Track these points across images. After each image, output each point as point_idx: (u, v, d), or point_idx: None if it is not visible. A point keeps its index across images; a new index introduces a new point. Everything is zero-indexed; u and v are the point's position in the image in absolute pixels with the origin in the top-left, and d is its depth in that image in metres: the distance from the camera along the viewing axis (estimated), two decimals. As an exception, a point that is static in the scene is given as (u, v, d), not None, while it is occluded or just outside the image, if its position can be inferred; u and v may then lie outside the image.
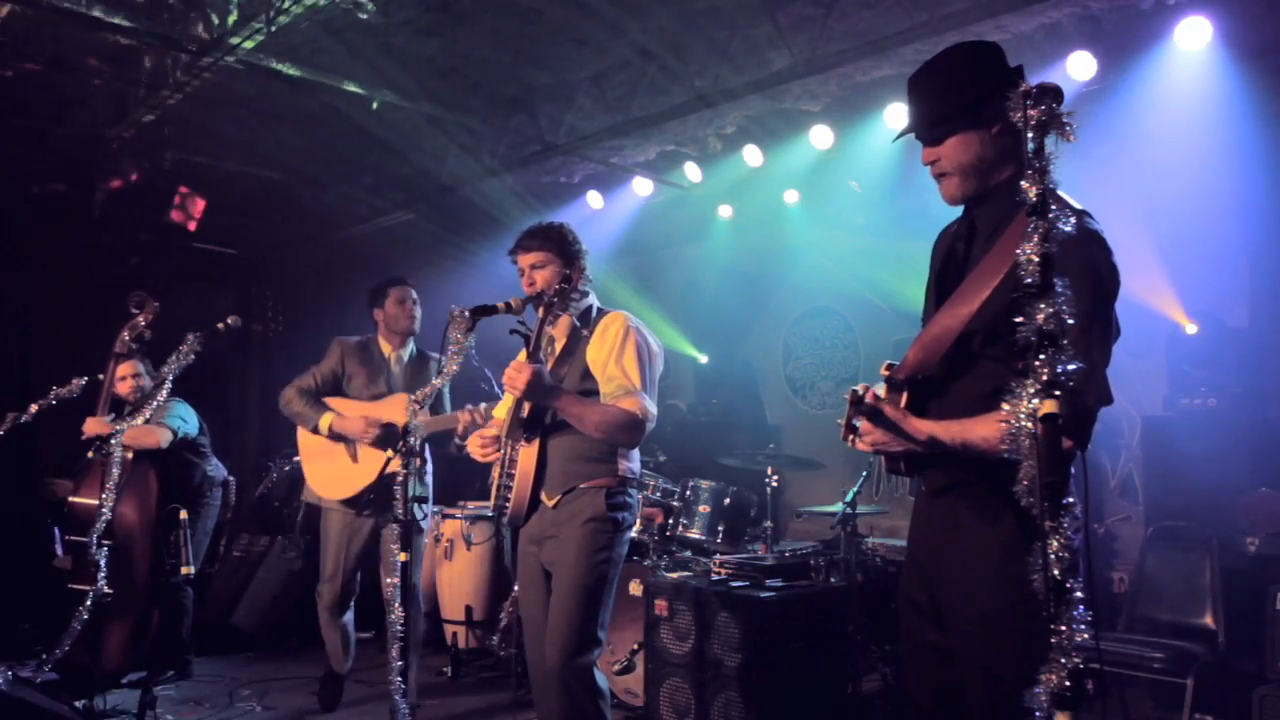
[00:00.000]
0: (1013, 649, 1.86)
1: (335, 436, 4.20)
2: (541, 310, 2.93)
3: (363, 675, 4.95)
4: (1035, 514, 1.51)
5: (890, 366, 2.02)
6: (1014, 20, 4.17)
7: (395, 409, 4.19)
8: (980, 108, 1.98)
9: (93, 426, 4.41)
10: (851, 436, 1.94)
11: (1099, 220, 1.99)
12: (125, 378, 4.74)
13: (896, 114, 4.97)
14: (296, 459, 4.72)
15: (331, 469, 4.27)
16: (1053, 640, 1.47)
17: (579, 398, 2.92)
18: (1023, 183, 1.59)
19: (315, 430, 4.22)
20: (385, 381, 4.32)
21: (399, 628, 3.01)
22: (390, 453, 3.98)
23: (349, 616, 4.44)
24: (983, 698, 1.96)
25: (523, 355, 3.06)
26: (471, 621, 5.50)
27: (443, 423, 4.04)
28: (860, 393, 1.90)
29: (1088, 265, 1.88)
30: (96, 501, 4.11)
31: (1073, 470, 1.90)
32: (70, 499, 4.43)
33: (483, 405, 3.97)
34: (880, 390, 2.00)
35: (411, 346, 4.45)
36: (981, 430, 1.88)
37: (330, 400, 4.29)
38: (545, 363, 3.07)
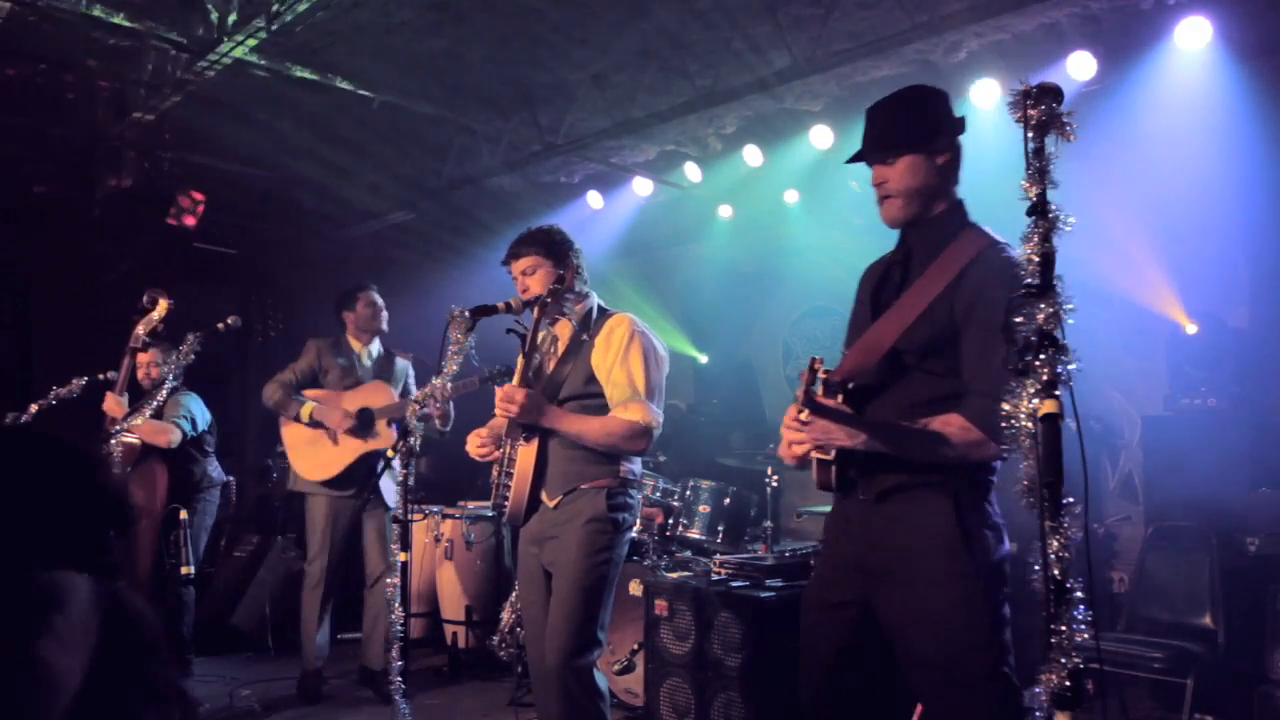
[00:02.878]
0: (963, 642, 1.97)
1: (315, 424, 4.58)
2: (537, 311, 2.93)
3: (357, 674, 4.95)
4: (1037, 513, 1.52)
5: (826, 370, 2.13)
6: (1014, 20, 4.17)
7: (370, 395, 4.61)
8: (933, 137, 2.15)
9: (111, 404, 4.44)
10: (804, 414, 2.02)
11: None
12: (145, 364, 4.81)
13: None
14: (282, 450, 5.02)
15: (314, 453, 4.64)
16: (1053, 640, 1.47)
17: (576, 416, 2.91)
18: (1023, 183, 1.62)
19: (297, 419, 4.60)
20: (357, 375, 4.73)
21: (399, 627, 3.01)
22: (390, 434, 4.46)
23: (326, 622, 4.73)
24: (938, 692, 2.04)
25: (520, 359, 3.06)
26: (471, 621, 5.50)
27: (397, 408, 4.50)
28: (815, 366, 2.04)
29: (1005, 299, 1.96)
30: None
31: (994, 479, 2.10)
32: None
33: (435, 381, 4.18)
34: (818, 389, 2.09)
35: (378, 344, 4.87)
36: (911, 436, 2.02)
37: (308, 392, 4.67)
38: (544, 363, 3.07)
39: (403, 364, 4.89)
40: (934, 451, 2.00)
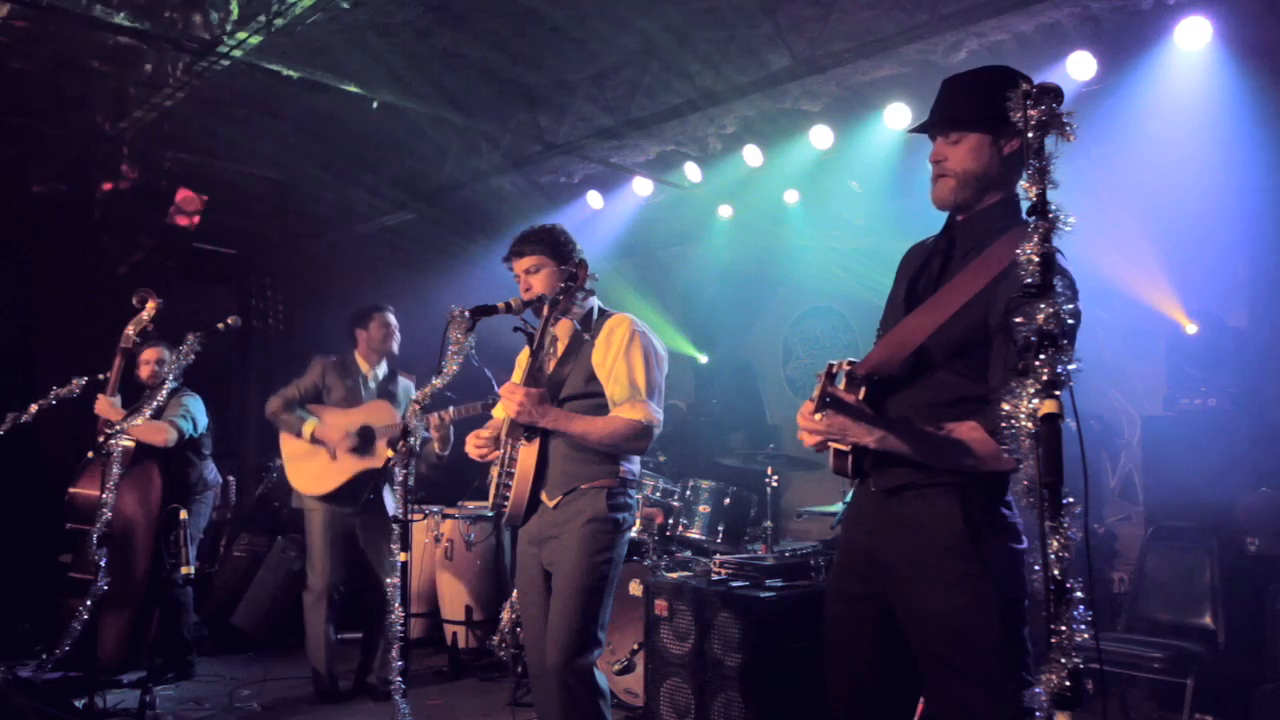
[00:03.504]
0: (974, 643, 1.96)
1: (316, 441, 4.60)
2: (546, 309, 2.92)
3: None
4: (1036, 513, 1.52)
5: (851, 362, 2.09)
6: (1014, 20, 4.17)
7: (372, 413, 4.64)
8: (1005, 120, 1.98)
9: (103, 407, 4.43)
10: (819, 415, 1.98)
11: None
12: (148, 362, 4.84)
13: (896, 114, 4.96)
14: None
15: (312, 468, 4.64)
16: (1053, 640, 1.47)
17: (578, 416, 2.91)
18: (1023, 183, 1.61)
19: (299, 435, 4.62)
20: (361, 395, 4.75)
21: (399, 627, 3.01)
22: (389, 452, 4.32)
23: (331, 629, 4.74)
24: (951, 691, 2.02)
25: (524, 354, 3.06)
26: (471, 621, 5.50)
27: (397, 429, 4.43)
28: (834, 370, 1.96)
29: None
30: (98, 493, 4.13)
31: (1008, 480, 2.04)
32: (71, 490, 4.48)
33: (451, 409, 4.27)
34: (841, 383, 2.05)
35: (385, 365, 4.89)
36: (928, 441, 1.97)
37: (313, 407, 4.70)
38: (545, 362, 3.06)
39: (405, 384, 4.89)
40: (952, 458, 1.97)
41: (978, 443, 1.95)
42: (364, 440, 4.58)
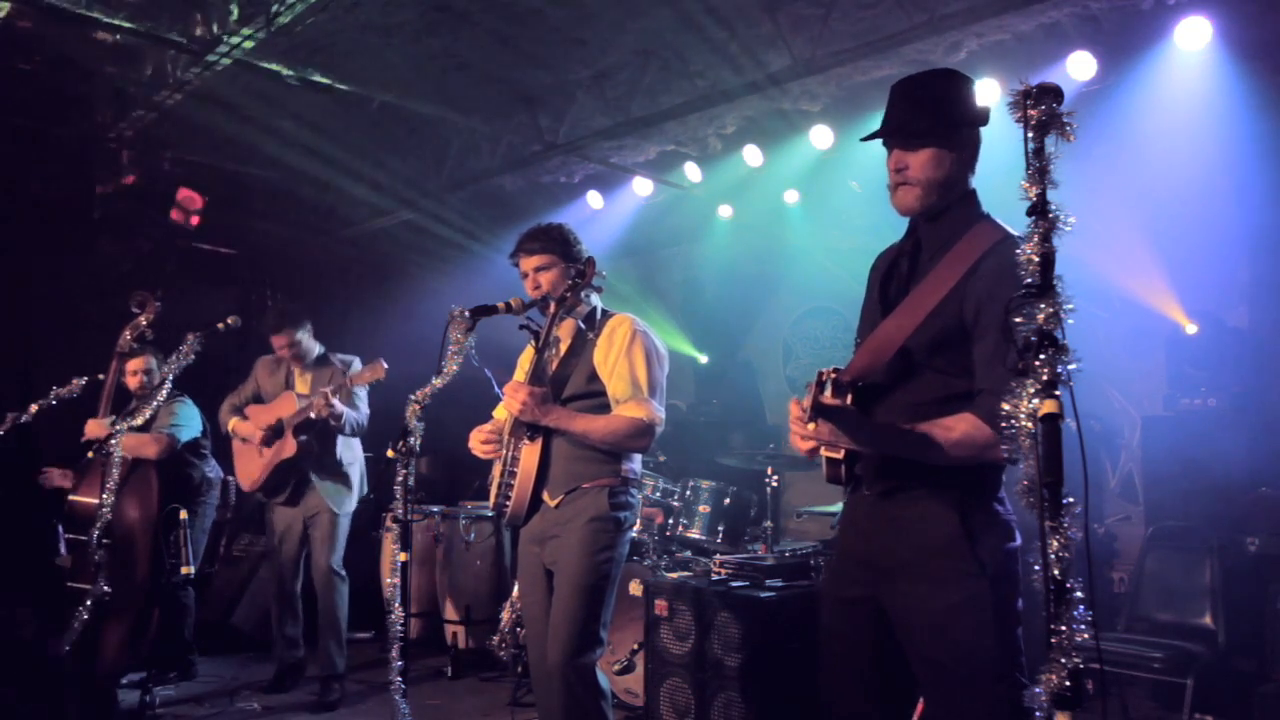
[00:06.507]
0: (967, 643, 1.96)
1: (243, 437, 4.82)
2: (553, 307, 2.93)
3: (361, 675, 4.95)
4: (1036, 513, 1.52)
5: (837, 370, 2.10)
6: (1014, 20, 4.17)
7: (280, 406, 4.74)
8: (959, 130, 2.10)
9: (93, 429, 4.41)
10: (811, 425, 1.97)
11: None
12: (136, 372, 4.79)
13: (896, 114, 4.96)
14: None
15: (244, 464, 4.88)
16: (1053, 640, 1.47)
17: (581, 415, 2.91)
18: (1023, 183, 1.61)
19: (227, 434, 4.87)
20: (284, 385, 4.85)
21: (399, 627, 3.01)
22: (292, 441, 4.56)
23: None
24: (944, 692, 2.02)
25: (526, 353, 3.05)
26: (471, 621, 5.50)
27: (299, 415, 4.57)
28: (823, 378, 1.99)
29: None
30: (96, 500, 4.11)
31: (1002, 476, 2.07)
32: (71, 498, 4.44)
33: (331, 388, 4.43)
34: (829, 391, 2.06)
35: (312, 360, 4.88)
36: (922, 437, 1.97)
37: (249, 408, 4.89)
38: (549, 362, 3.06)
39: (341, 364, 4.80)
40: (945, 455, 1.96)
41: (971, 434, 1.94)
42: (276, 433, 4.69)
